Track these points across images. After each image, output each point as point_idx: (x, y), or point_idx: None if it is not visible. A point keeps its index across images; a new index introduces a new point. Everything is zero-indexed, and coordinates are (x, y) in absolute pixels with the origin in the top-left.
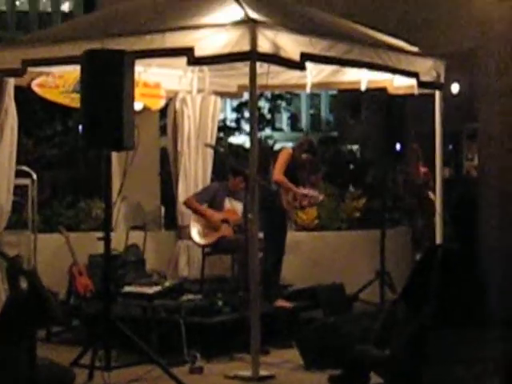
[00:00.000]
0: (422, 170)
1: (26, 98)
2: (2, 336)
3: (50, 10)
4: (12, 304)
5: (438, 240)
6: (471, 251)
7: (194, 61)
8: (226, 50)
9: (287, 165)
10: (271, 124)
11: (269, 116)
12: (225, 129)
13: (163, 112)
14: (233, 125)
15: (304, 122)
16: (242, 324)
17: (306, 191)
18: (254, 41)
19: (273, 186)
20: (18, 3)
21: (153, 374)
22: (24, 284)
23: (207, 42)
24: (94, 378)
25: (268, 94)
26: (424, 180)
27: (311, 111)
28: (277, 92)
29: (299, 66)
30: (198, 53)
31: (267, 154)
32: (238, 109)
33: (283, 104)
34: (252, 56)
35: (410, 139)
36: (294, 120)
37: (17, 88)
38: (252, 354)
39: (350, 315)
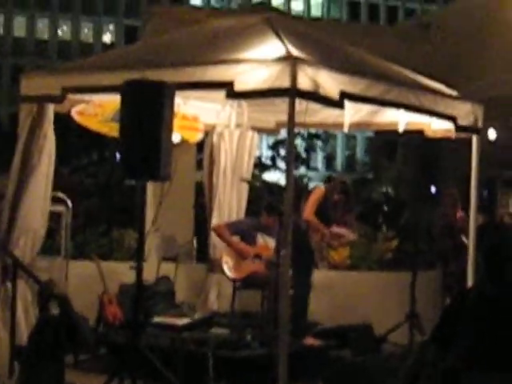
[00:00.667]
0: (459, 214)
1: (63, 127)
2: (31, 357)
3: (91, 40)
4: (42, 327)
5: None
6: (504, 294)
7: (234, 95)
8: (266, 86)
9: (319, 204)
10: (306, 163)
11: (304, 155)
12: (260, 165)
13: (200, 146)
14: (268, 162)
15: (339, 162)
16: (270, 360)
17: (339, 230)
18: (293, 77)
19: (302, 225)
20: (60, 32)
21: None
22: (55, 309)
23: (247, 76)
24: None
25: (304, 132)
26: (460, 225)
27: (347, 152)
28: (313, 131)
29: (338, 104)
30: (238, 87)
31: (301, 192)
32: (274, 146)
33: (319, 143)
34: (291, 93)
35: (448, 184)
36: (330, 160)
37: (55, 116)
38: None
39: (379, 356)
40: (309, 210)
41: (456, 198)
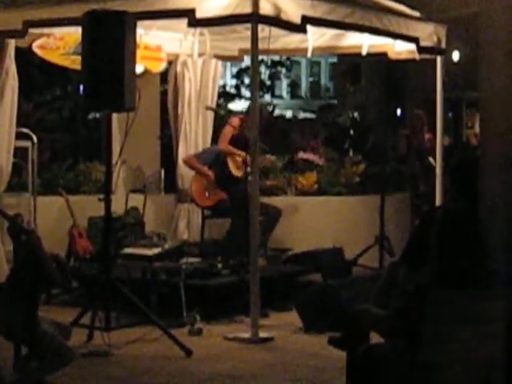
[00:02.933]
0: (427, 136)
1: (25, 63)
2: (10, 294)
3: None
4: (18, 263)
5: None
6: (472, 210)
7: (195, 22)
8: (228, 12)
9: (235, 133)
10: (271, 91)
11: (269, 82)
12: (225, 95)
13: (164, 78)
14: (232, 91)
15: (304, 89)
16: (241, 287)
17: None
18: (255, 3)
19: (221, 156)
20: None
21: (152, 335)
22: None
23: (208, 3)
24: (94, 338)
25: (268, 60)
26: (428, 146)
27: (311, 79)
28: (277, 58)
29: (300, 28)
30: (200, 14)
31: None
32: (238, 75)
33: (283, 71)
34: (253, 18)
35: (415, 105)
36: (294, 87)
37: (16, 52)
38: (251, 316)
39: (350, 279)
40: (222, 140)
41: (423, 120)
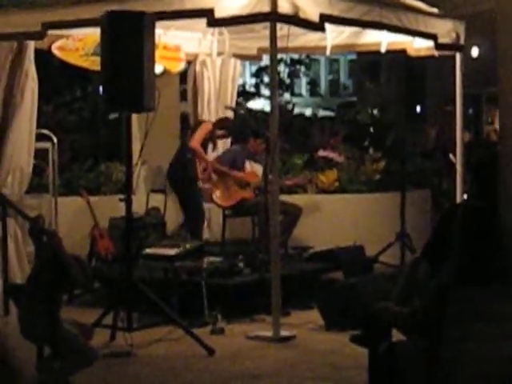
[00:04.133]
0: None
1: (45, 64)
2: (31, 295)
3: None
4: (40, 268)
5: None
6: (492, 207)
7: (214, 22)
8: (246, 11)
9: (205, 137)
10: (290, 89)
11: (288, 81)
12: (244, 94)
13: (183, 77)
14: (252, 90)
15: (323, 87)
16: (263, 285)
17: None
18: (273, 1)
19: (188, 154)
20: None
21: (174, 334)
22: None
23: (227, 3)
24: (116, 338)
25: (287, 58)
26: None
27: (330, 76)
28: (296, 57)
29: (318, 27)
30: (218, 14)
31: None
32: (257, 74)
33: (302, 69)
34: (272, 17)
35: (440, 102)
36: (313, 85)
37: (35, 54)
38: (273, 315)
39: (371, 276)
40: (196, 139)
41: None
